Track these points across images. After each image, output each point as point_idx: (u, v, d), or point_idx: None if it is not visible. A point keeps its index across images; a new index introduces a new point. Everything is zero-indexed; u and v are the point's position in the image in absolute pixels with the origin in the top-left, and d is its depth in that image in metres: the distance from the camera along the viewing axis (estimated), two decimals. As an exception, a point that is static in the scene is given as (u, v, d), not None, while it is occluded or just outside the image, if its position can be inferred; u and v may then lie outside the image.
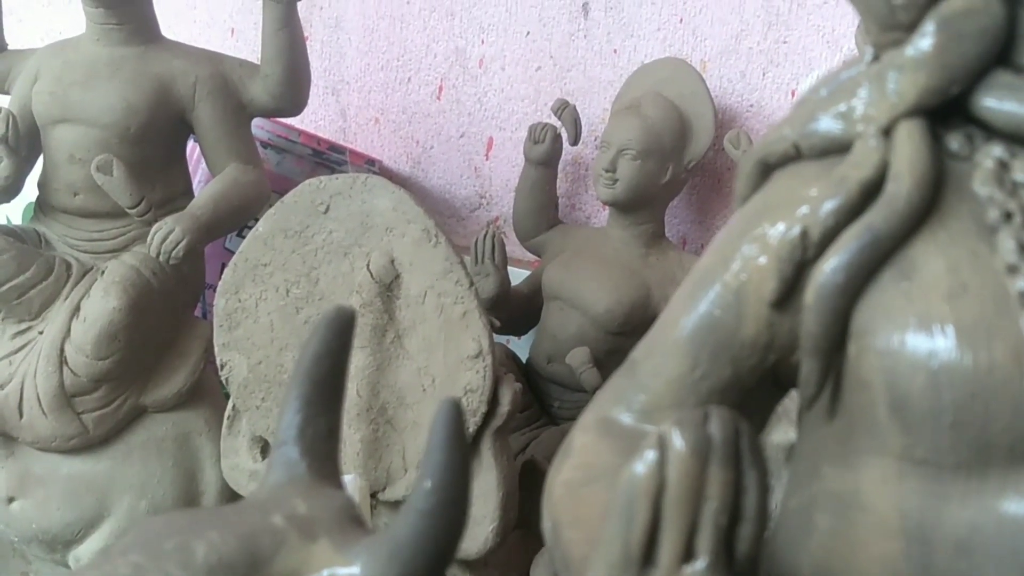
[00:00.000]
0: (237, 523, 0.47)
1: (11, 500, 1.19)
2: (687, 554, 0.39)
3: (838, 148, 0.50)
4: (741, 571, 0.40)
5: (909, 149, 0.47)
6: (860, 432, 0.48)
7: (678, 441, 0.39)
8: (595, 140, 1.44)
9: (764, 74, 1.34)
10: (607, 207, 1.35)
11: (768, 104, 1.35)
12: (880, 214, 0.46)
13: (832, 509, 0.49)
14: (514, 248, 1.44)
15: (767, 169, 0.54)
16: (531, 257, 1.47)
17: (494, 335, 1.02)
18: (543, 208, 1.41)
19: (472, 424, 1.00)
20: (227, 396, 1.11)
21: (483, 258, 1.32)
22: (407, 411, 1.03)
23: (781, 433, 0.89)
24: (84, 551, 1.19)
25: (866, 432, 0.47)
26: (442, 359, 1.00)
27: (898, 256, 0.47)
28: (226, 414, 1.11)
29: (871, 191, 0.47)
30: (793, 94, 1.32)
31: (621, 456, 0.51)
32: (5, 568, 1.21)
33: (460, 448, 0.44)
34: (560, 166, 1.42)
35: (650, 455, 0.39)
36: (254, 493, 0.52)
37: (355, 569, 0.46)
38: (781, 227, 0.50)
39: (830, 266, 0.47)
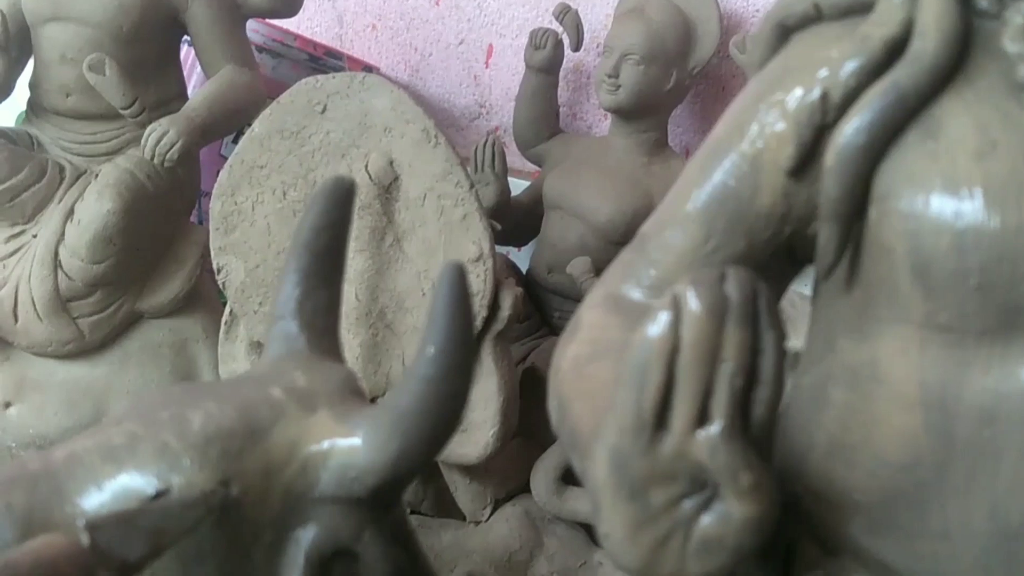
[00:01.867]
0: (234, 394, 0.46)
1: (8, 405, 1.18)
2: (701, 418, 0.38)
3: (860, 7, 0.48)
4: (757, 436, 0.38)
5: (935, 5, 0.44)
6: (880, 301, 0.46)
7: (693, 301, 0.37)
8: (597, 47, 1.41)
9: (772, -23, 1.31)
10: (609, 116, 1.33)
11: (775, 9, 1.31)
12: (905, 71, 0.44)
13: (848, 383, 0.47)
14: (514, 159, 1.42)
15: (785, 32, 0.52)
16: (531, 167, 1.44)
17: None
18: (544, 116, 1.38)
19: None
20: (224, 303, 1.09)
21: (483, 166, 1.30)
22: (407, 315, 1.01)
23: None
24: (82, 457, 1.19)
25: (886, 300, 0.46)
26: (442, 262, 0.99)
27: (923, 115, 0.45)
28: (223, 319, 1.09)
29: (895, 49, 0.45)
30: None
31: (630, 332, 0.50)
32: (3, 474, 1.21)
33: (464, 313, 0.42)
34: (561, 74, 1.39)
35: (664, 316, 0.38)
36: (253, 367, 0.51)
37: (356, 440, 0.44)
38: (799, 91, 0.48)
39: (852, 126, 0.45)
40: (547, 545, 1.06)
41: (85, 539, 0.38)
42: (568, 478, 1.04)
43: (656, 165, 1.29)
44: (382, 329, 1.02)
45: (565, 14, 1.35)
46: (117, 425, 0.45)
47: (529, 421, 1.10)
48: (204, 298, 1.25)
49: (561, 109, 1.41)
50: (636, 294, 0.54)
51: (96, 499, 0.43)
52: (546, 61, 1.34)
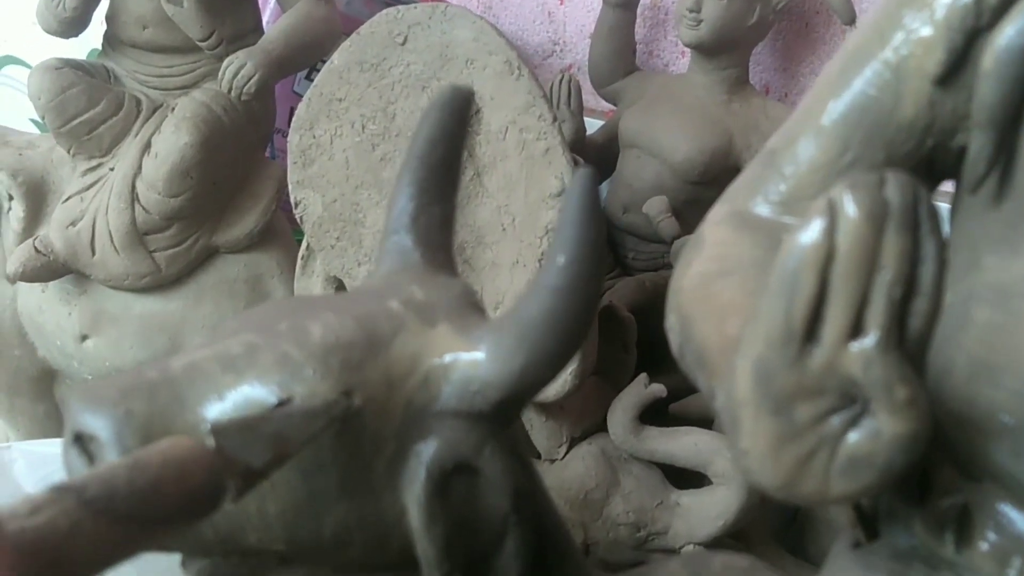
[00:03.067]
0: (352, 307, 0.45)
1: (84, 338, 1.19)
2: (855, 330, 0.36)
3: None
4: (912, 350, 0.36)
5: None
6: None
7: (851, 206, 0.35)
8: (676, -18, 1.37)
9: (862, -94, 1.26)
10: (686, 54, 1.30)
11: (867, -63, 1.27)
12: None
13: (994, 301, 0.45)
14: (588, 97, 1.39)
15: None
16: (605, 106, 1.42)
17: (573, 177, 0.98)
18: (621, 53, 1.35)
19: (553, 264, 0.97)
20: (299, 241, 1.09)
21: (559, 104, 1.28)
22: (486, 251, 1.00)
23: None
24: (157, 390, 1.20)
25: None
26: (523, 197, 0.97)
27: None
28: (300, 254, 1.09)
29: None
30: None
31: (760, 248, 0.48)
32: (80, 406, 1.22)
33: (596, 222, 0.41)
34: (638, 10, 1.35)
35: (818, 222, 0.36)
36: (366, 281, 0.49)
37: (479, 354, 0.43)
38: None
39: (1015, 27, 0.42)
40: (623, 484, 1.05)
41: (211, 442, 0.37)
42: (645, 417, 1.03)
43: (736, 103, 1.26)
44: (461, 264, 1.01)
45: (644, -52, 1.31)
46: (234, 335, 0.44)
47: (605, 360, 1.09)
48: (279, 234, 1.25)
49: (637, 47, 1.38)
50: (764, 210, 0.52)
51: (217, 408, 0.42)
52: (624, -4, 1.31)
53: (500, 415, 0.44)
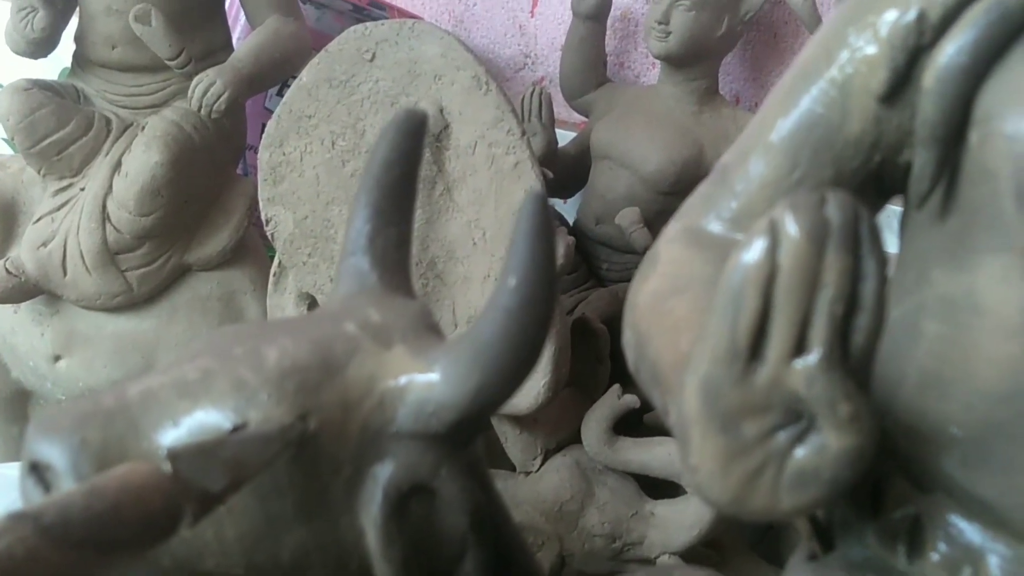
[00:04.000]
0: (308, 330, 0.45)
1: (57, 358, 1.19)
2: (798, 347, 0.37)
3: None
4: (856, 366, 0.37)
5: None
6: (979, 228, 0.45)
7: (792, 225, 0.35)
8: (645, -6, 1.38)
9: (827, -81, 1.28)
10: (657, 65, 1.30)
11: (831, -49, 1.28)
12: None
13: (943, 315, 0.46)
14: (560, 109, 1.40)
15: None
16: (577, 118, 1.43)
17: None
18: (592, 65, 1.36)
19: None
20: (271, 257, 1.09)
21: (530, 117, 1.29)
22: (457, 265, 1.00)
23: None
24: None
25: (987, 228, 0.44)
26: (493, 211, 0.98)
27: None
28: (272, 271, 1.09)
29: None
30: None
31: (711, 265, 0.49)
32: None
33: (547, 243, 0.41)
34: (608, 23, 1.36)
35: (759, 243, 0.36)
36: (324, 305, 0.50)
37: (434, 375, 0.43)
38: (893, 13, 0.46)
39: (954, 46, 0.43)
40: (598, 495, 1.05)
41: (167, 468, 0.37)
42: (619, 428, 1.04)
43: (706, 114, 1.27)
44: (432, 279, 1.01)
45: (612, -40, 1.32)
46: (191, 361, 0.44)
47: (579, 371, 1.09)
48: (251, 250, 1.25)
49: (608, 58, 1.39)
50: (716, 227, 0.53)
51: (172, 435, 0.42)
52: (594, 8, 1.32)
53: (456, 436, 0.44)
